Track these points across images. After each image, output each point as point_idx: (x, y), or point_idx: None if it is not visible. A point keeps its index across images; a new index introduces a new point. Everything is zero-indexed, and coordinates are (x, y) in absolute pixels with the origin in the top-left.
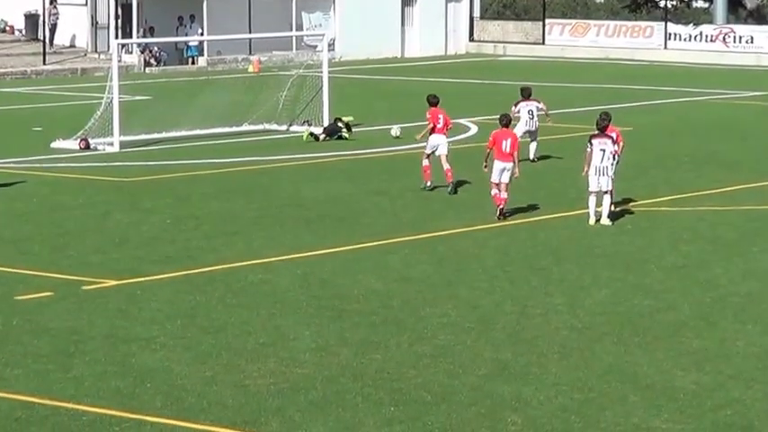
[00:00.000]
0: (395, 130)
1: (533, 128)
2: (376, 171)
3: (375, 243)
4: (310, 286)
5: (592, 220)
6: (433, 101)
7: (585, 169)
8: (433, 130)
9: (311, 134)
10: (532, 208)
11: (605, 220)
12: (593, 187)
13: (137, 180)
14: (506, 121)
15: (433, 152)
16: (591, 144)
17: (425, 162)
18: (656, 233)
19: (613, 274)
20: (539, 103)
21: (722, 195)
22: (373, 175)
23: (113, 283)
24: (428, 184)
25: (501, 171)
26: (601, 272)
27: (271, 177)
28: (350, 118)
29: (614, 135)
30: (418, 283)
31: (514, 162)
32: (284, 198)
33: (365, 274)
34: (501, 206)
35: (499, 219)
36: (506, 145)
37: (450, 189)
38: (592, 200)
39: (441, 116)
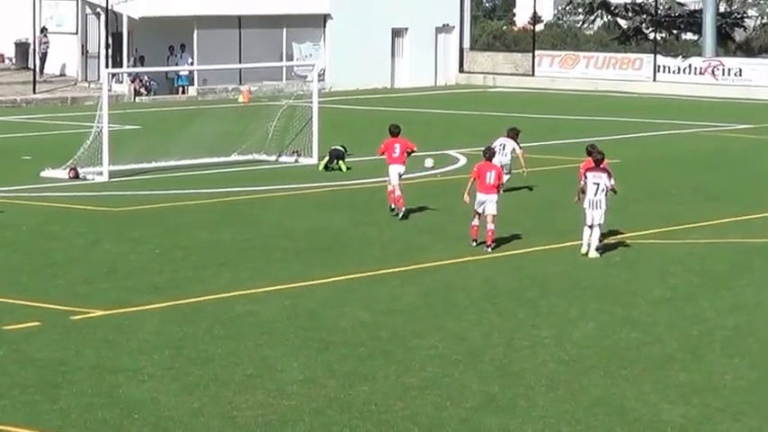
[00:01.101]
0: (428, 162)
1: (504, 160)
2: (364, 202)
3: (363, 274)
4: (298, 317)
5: (584, 250)
6: (393, 131)
7: (576, 198)
8: (390, 160)
9: (326, 166)
10: (520, 240)
11: (593, 253)
12: (588, 221)
13: (125, 210)
14: (490, 155)
15: (398, 181)
16: (585, 177)
17: (389, 187)
18: (644, 266)
19: (601, 306)
20: (517, 146)
21: (710, 228)
22: (361, 206)
23: (101, 313)
24: (392, 206)
25: (482, 203)
26: (588, 304)
27: (259, 208)
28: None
29: (610, 170)
30: (406, 315)
31: (498, 193)
32: (272, 229)
33: (353, 305)
34: (478, 238)
35: (477, 246)
36: (490, 177)
37: (400, 215)
38: (586, 232)
39: (397, 146)
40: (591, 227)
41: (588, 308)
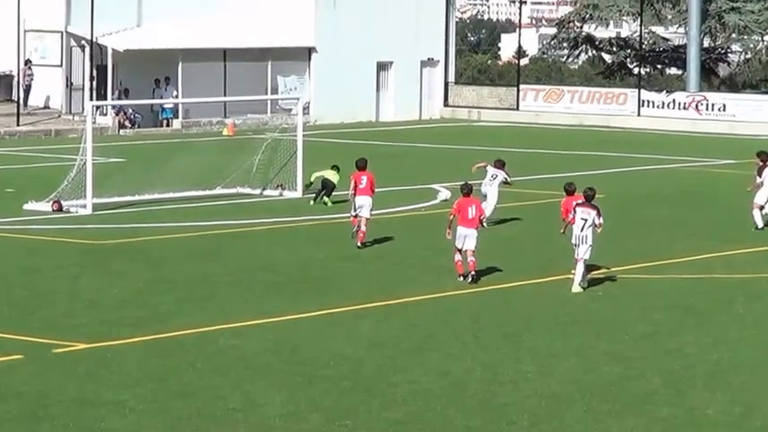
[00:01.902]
0: (444, 193)
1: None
2: (348, 235)
3: (346, 308)
4: (281, 351)
5: (576, 288)
6: (359, 164)
7: (562, 230)
8: (356, 192)
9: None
10: (504, 274)
11: (576, 288)
12: (577, 255)
13: (109, 243)
14: (468, 190)
15: (357, 214)
16: (574, 211)
17: (354, 223)
18: (627, 300)
19: (584, 341)
20: (506, 175)
21: (694, 263)
22: (346, 240)
23: (84, 346)
24: (359, 245)
25: (464, 237)
26: (571, 339)
27: (243, 241)
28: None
29: (599, 208)
30: (389, 349)
31: (478, 228)
32: (256, 262)
33: (336, 339)
34: (465, 272)
35: (470, 282)
36: (471, 211)
37: (359, 245)
38: (579, 267)
39: (364, 178)
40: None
41: (571, 342)
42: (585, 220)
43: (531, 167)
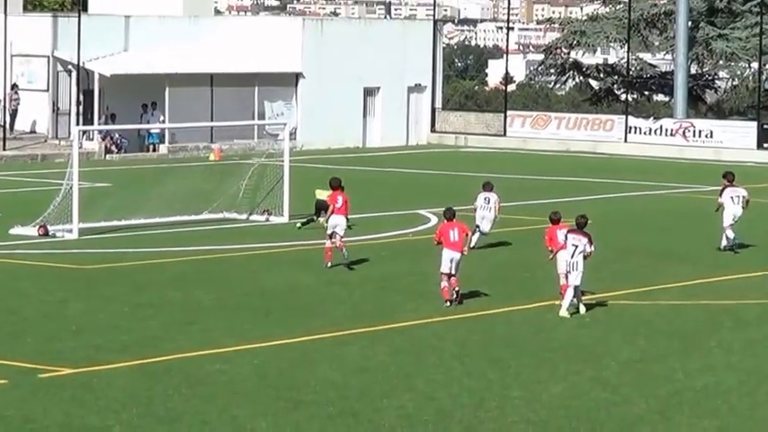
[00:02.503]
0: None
1: (489, 214)
2: (335, 261)
3: (333, 334)
4: (267, 376)
5: (582, 310)
6: (333, 184)
7: (550, 257)
8: (333, 211)
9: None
10: (491, 300)
11: (564, 312)
12: (561, 269)
13: (95, 268)
14: (450, 215)
15: (333, 232)
16: (565, 238)
17: (327, 243)
18: (614, 326)
19: (570, 367)
20: (497, 198)
21: (680, 289)
22: (333, 266)
23: (69, 371)
24: (328, 264)
25: (450, 260)
26: (558, 365)
27: (230, 266)
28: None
29: (591, 236)
30: (375, 375)
31: (463, 252)
32: (243, 287)
33: (322, 364)
34: (451, 298)
35: (451, 305)
36: (454, 235)
37: (345, 255)
38: (569, 293)
39: (340, 197)
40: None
41: (558, 368)
42: (576, 247)
43: (517, 193)
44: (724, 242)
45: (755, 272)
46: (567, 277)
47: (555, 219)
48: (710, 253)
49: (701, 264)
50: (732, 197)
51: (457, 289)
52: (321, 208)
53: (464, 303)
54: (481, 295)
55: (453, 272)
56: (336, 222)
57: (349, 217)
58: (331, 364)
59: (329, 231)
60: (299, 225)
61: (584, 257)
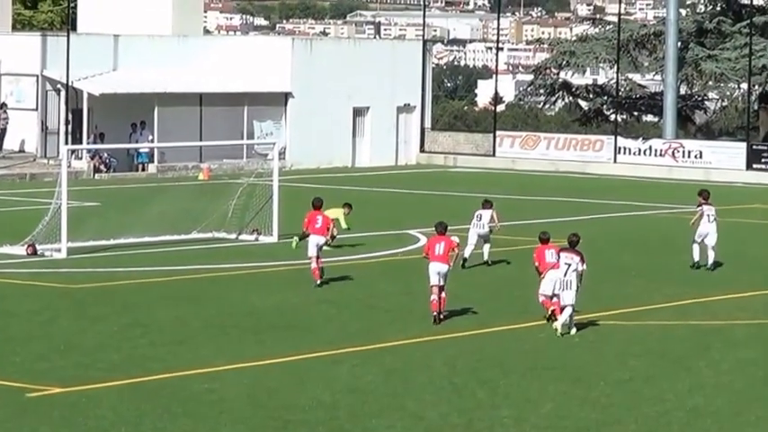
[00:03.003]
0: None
1: (481, 231)
2: (326, 281)
3: (322, 353)
4: (257, 396)
5: (573, 330)
6: (315, 204)
7: (542, 276)
8: (311, 231)
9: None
10: (480, 319)
11: (559, 326)
12: (544, 290)
13: (84, 287)
14: (442, 229)
15: (317, 252)
16: (558, 256)
17: (313, 265)
18: (604, 346)
19: (560, 387)
20: (495, 215)
21: (670, 309)
22: (323, 285)
23: (58, 390)
24: (318, 282)
25: (436, 273)
26: (547, 385)
27: (219, 286)
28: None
29: (583, 255)
30: (365, 394)
31: (449, 264)
32: (232, 307)
33: (312, 384)
34: (436, 312)
35: (435, 323)
36: (439, 248)
37: (317, 284)
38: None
39: (319, 218)
40: (563, 307)
41: (547, 388)
42: (569, 265)
43: (507, 213)
44: (696, 258)
45: (745, 292)
46: (551, 297)
47: (544, 239)
48: (700, 273)
49: (691, 284)
50: (708, 215)
51: (441, 313)
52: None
53: (454, 323)
54: (471, 314)
55: (442, 283)
56: (316, 242)
57: (329, 236)
58: (320, 383)
59: (311, 253)
60: (294, 243)
61: (578, 276)
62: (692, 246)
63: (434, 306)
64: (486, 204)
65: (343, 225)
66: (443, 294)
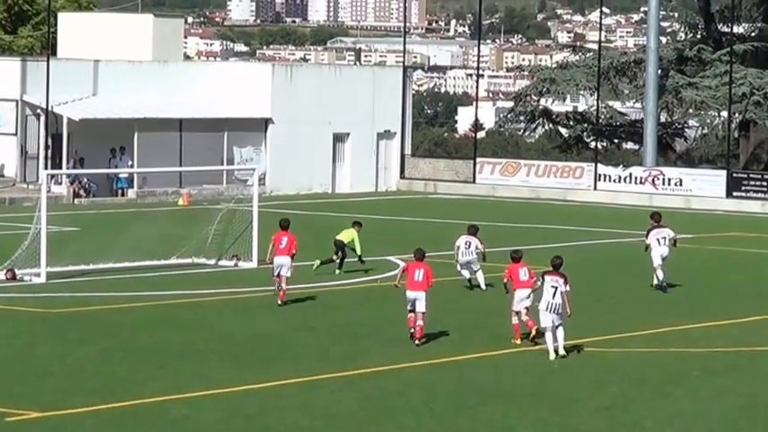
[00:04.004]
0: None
1: (469, 258)
2: (303, 306)
3: (301, 379)
4: (235, 422)
5: (552, 356)
6: (282, 224)
7: (507, 290)
8: (276, 252)
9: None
10: (460, 346)
11: (562, 351)
12: (544, 323)
13: (63, 312)
14: (420, 255)
15: (278, 272)
16: (543, 279)
17: (276, 285)
18: (584, 373)
19: (539, 414)
20: (480, 242)
21: (649, 337)
22: (301, 310)
23: (36, 415)
24: (279, 303)
25: (413, 300)
26: (527, 411)
27: (198, 311)
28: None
29: (567, 276)
30: (344, 421)
31: (426, 291)
32: (211, 332)
33: (290, 410)
34: (413, 331)
35: (415, 342)
36: (418, 275)
37: (280, 303)
38: (548, 336)
39: (284, 238)
40: (551, 329)
41: (527, 415)
42: (556, 288)
43: (487, 240)
44: (655, 281)
45: (724, 320)
46: (520, 315)
47: (516, 257)
48: (680, 300)
49: (671, 311)
50: (658, 238)
51: (420, 338)
52: (339, 248)
53: (433, 349)
54: (450, 341)
55: (421, 310)
56: (280, 263)
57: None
58: (299, 409)
59: (274, 273)
60: (316, 266)
61: (562, 297)
62: (656, 269)
63: (411, 321)
64: (472, 230)
65: (358, 251)
66: (420, 323)
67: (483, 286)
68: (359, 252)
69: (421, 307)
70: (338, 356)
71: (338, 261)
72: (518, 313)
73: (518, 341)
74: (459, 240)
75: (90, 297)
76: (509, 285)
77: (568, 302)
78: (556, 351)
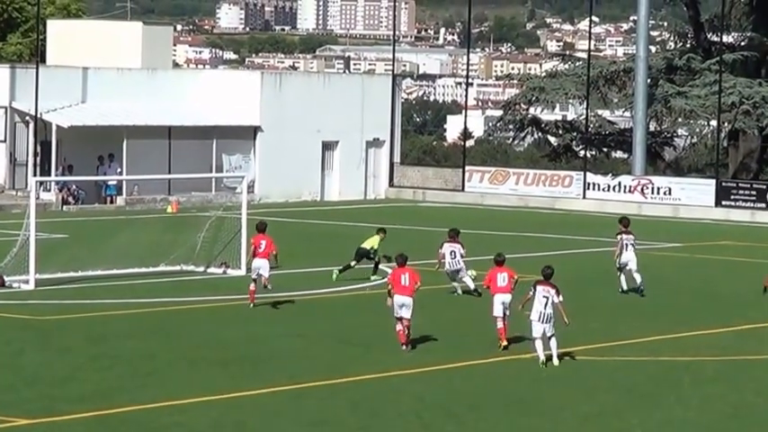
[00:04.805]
0: (471, 272)
1: (456, 267)
2: (294, 314)
3: (290, 386)
4: (224, 429)
5: (542, 358)
6: (259, 227)
7: (520, 308)
8: (255, 255)
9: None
10: (449, 354)
11: (556, 361)
12: (536, 333)
13: (52, 319)
14: (402, 261)
15: (258, 275)
16: (534, 289)
17: (252, 286)
18: (573, 381)
19: (529, 421)
20: (462, 248)
21: (639, 345)
22: (291, 318)
23: (25, 422)
24: (251, 305)
25: (401, 306)
26: (516, 419)
27: (187, 318)
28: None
29: (558, 287)
30: (333, 428)
31: (413, 296)
32: (200, 339)
33: (280, 417)
34: (404, 342)
35: (406, 348)
36: (405, 280)
37: (251, 306)
38: (538, 344)
39: (263, 242)
40: (542, 339)
41: (516, 422)
42: (548, 298)
43: (475, 249)
44: (625, 287)
45: (714, 329)
46: (502, 320)
47: (499, 260)
48: (669, 309)
49: (660, 319)
50: (627, 244)
51: (407, 344)
52: (363, 255)
53: (422, 357)
54: (440, 348)
55: (407, 316)
56: (259, 265)
57: (276, 257)
58: (289, 416)
59: (253, 275)
60: (335, 274)
61: (554, 307)
62: (618, 275)
63: (401, 336)
64: (453, 233)
65: (367, 247)
66: (406, 329)
67: (472, 286)
68: (376, 259)
69: (407, 313)
70: (327, 364)
71: (372, 266)
72: (498, 318)
73: (504, 342)
74: (444, 249)
75: (79, 304)
76: (490, 288)
77: (564, 312)
78: (549, 359)
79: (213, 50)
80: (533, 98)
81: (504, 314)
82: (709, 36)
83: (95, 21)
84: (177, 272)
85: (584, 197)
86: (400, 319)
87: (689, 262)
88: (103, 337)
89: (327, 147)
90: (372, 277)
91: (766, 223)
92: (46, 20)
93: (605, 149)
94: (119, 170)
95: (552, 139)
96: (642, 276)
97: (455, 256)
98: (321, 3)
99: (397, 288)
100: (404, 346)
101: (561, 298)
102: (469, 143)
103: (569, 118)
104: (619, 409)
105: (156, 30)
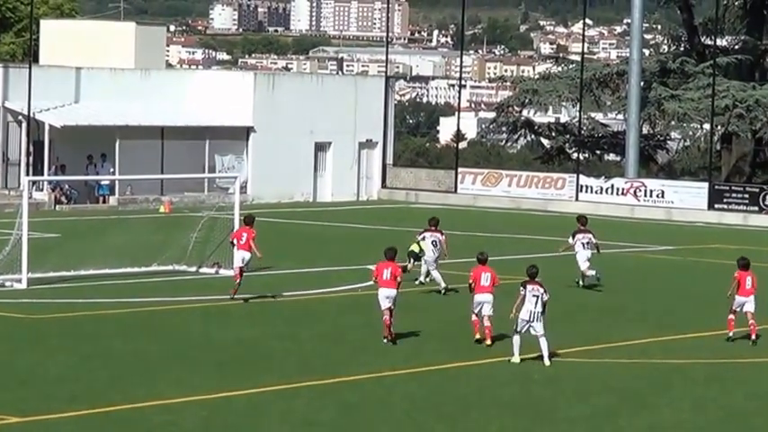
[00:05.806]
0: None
1: (436, 254)
2: (286, 314)
3: (281, 387)
4: (215, 429)
5: (516, 359)
6: (246, 220)
7: (514, 313)
8: (238, 247)
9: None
10: (441, 355)
11: (547, 362)
12: (519, 327)
13: (44, 317)
14: (391, 255)
15: (244, 266)
16: (524, 288)
17: (237, 280)
18: (564, 383)
19: (520, 423)
20: (441, 235)
21: (630, 348)
22: (283, 319)
23: (16, 420)
24: (233, 296)
25: (385, 298)
26: (507, 421)
27: (179, 318)
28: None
29: (545, 286)
30: (324, 429)
31: (396, 289)
32: (191, 339)
33: (270, 417)
34: (387, 335)
35: (388, 341)
36: (387, 273)
37: (231, 297)
38: (516, 339)
39: (245, 234)
40: (526, 336)
41: (507, 424)
42: (537, 297)
43: (467, 250)
44: (582, 282)
45: (705, 332)
46: (479, 315)
47: (482, 259)
48: (661, 312)
49: (652, 322)
50: (582, 243)
51: (390, 337)
52: (411, 257)
53: (414, 358)
54: (431, 350)
55: (388, 306)
56: (241, 257)
57: (255, 252)
58: (279, 416)
59: (239, 265)
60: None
61: (543, 305)
62: (584, 272)
63: (387, 323)
64: (434, 222)
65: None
66: (391, 319)
67: (442, 285)
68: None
69: (390, 303)
70: (318, 364)
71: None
72: (477, 314)
73: (478, 336)
74: (427, 238)
75: (71, 303)
76: (473, 287)
77: (545, 310)
78: (541, 359)
79: (206, 51)
80: (526, 100)
81: (480, 311)
82: (702, 39)
83: (89, 21)
84: (169, 272)
85: (576, 199)
86: (388, 309)
87: (681, 265)
88: (96, 337)
89: (320, 148)
90: (427, 279)
91: (759, 226)
92: (39, 20)
93: (598, 152)
94: (111, 170)
95: (545, 142)
96: (597, 270)
97: (437, 245)
98: (314, 4)
99: (381, 281)
100: (384, 339)
101: (548, 296)
102: (462, 145)
103: (562, 120)
104: (610, 411)
105: (149, 30)
